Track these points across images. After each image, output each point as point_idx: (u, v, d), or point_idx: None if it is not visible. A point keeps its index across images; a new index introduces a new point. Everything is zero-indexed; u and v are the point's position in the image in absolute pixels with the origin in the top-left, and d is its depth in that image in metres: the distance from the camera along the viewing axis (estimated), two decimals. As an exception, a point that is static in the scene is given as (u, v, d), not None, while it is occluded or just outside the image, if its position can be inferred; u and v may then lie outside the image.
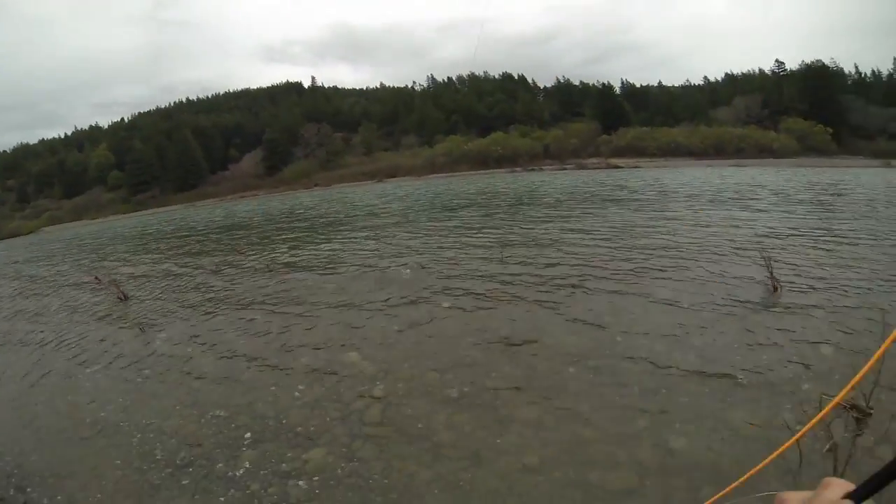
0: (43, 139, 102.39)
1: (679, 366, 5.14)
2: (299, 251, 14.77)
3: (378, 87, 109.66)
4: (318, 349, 6.62)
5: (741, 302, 6.87)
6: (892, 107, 63.73)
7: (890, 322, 5.23)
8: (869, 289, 7.11)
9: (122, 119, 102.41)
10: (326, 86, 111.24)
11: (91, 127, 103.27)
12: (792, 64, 77.67)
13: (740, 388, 4.59)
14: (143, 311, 9.96)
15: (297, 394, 5.44)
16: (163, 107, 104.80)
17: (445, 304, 7.84)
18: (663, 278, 8.23)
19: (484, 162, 68.69)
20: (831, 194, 20.66)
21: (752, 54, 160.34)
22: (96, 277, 12.89)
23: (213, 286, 11.22)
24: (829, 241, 10.42)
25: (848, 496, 0.59)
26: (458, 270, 9.84)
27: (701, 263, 8.99)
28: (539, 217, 17.20)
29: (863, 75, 75.98)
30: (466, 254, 11.41)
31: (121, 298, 11.05)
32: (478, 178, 52.10)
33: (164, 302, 10.48)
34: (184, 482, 4.10)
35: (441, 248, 12.51)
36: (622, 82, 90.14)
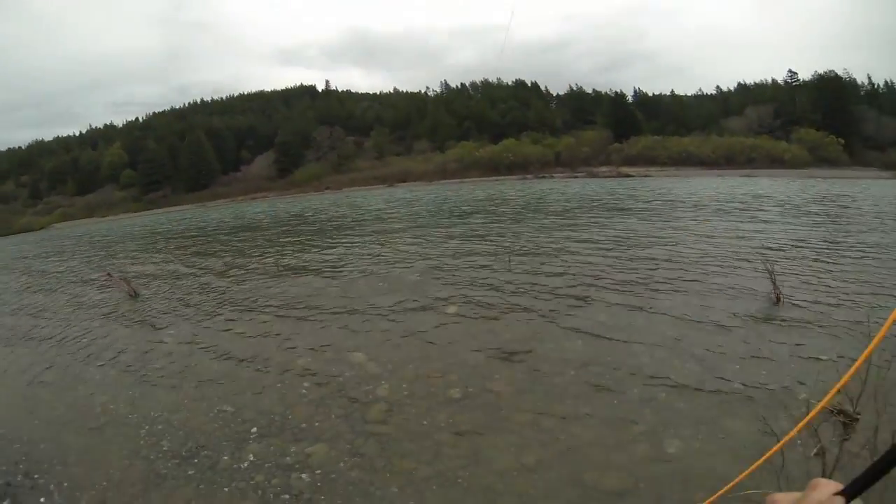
0: (58, 136, 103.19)
1: (678, 374, 5.20)
2: (306, 254, 14.94)
3: (391, 91, 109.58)
4: (325, 349, 6.75)
5: (742, 313, 6.90)
6: (905, 118, 63.34)
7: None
8: (872, 304, 7.08)
9: (137, 119, 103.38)
10: (340, 89, 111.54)
11: (106, 126, 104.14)
12: (805, 74, 77.08)
13: (737, 398, 4.65)
14: (153, 308, 10.16)
15: (303, 391, 5.57)
16: (177, 107, 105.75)
17: (450, 310, 7.94)
18: (665, 290, 8.25)
19: (495, 168, 68.67)
20: (839, 206, 20.58)
21: (765, 64, 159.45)
22: (108, 274, 13.10)
23: (220, 286, 11.39)
24: (834, 254, 10.40)
25: (837, 495, 0.63)
26: (463, 276, 9.94)
27: (704, 274, 9.03)
28: (545, 225, 17.24)
29: (876, 86, 75.38)
30: (472, 260, 11.50)
31: (131, 295, 11.24)
32: (488, 185, 52.14)
33: (173, 300, 10.66)
34: (189, 472, 4.23)
35: (447, 254, 12.60)
36: (634, 91, 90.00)
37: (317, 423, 4.81)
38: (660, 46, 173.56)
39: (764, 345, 5.81)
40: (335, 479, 3.94)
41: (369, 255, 13.50)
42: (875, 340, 0.91)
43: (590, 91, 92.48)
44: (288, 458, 4.28)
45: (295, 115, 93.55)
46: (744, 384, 4.87)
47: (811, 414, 1.35)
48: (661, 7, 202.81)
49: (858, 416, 3.21)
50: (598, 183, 45.89)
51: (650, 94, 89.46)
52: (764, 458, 1.37)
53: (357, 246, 15.44)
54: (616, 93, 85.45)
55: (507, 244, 13.17)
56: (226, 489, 3.96)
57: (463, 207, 27.08)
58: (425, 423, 4.65)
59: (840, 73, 72.48)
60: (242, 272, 12.84)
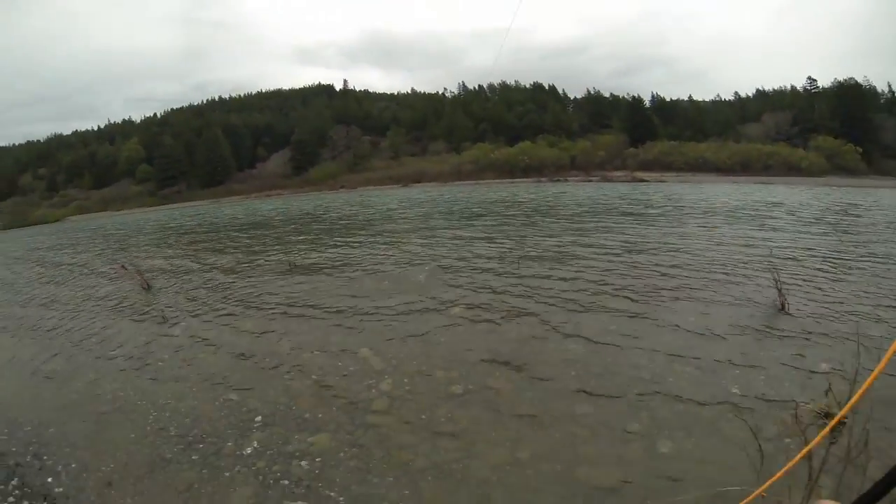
0: (76, 130, 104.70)
1: (676, 378, 5.26)
2: (316, 252, 15.13)
3: (409, 92, 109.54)
4: (331, 344, 6.87)
5: (746, 321, 6.90)
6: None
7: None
8: (878, 317, 7.02)
9: (155, 114, 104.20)
10: (358, 89, 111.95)
11: (124, 121, 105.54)
12: (824, 81, 76.17)
13: (733, 404, 4.67)
14: (165, 300, 10.38)
15: (308, 382, 5.71)
16: (195, 104, 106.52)
17: (455, 310, 8.03)
18: (670, 297, 8.25)
19: (510, 171, 68.66)
20: (852, 215, 20.40)
21: (784, 71, 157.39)
22: (122, 266, 13.36)
23: (230, 282, 11.58)
24: (843, 264, 10.33)
25: None
26: (470, 278, 10.02)
27: (710, 282, 9.02)
28: (555, 229, 17.24)
29: (896, 95, 74.35)
30: (480, 262, 11.58)
31: (144, 287, 11.46)
32: (502, 187, 52.18)
33: (184, 293, 10.88)
34: (194, 457, 4.38)
35: (455, 255, 12.69)
36: (652, 95, 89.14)
37: (320, 414, 4.94)
38: (679, 51, 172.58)
39: (764, 353, 5.82)
40: (334, 468, 4.06)
41: (378, 254, 13.64)
42: (886, 358, 0.95)
43: (607, 95, 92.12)
44: (290, 446, 4.41)
45: (312, 113, 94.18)
46: (740, 391, 4.90)
47: (831, 424, 1.44)
48: (681, 11, 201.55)
49: (846, 420, 3.27)
50: (611, 187, 45.76)
51: (668, 99, 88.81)
52: (784, 469, 1.48)
53: (366, 245, 15.60)
54: (633, 97, 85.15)
55: (516, 247, 13.24)
56: (227, 474, 4.10)
57: (474, 209, 27.16)
58: (424, 416, 4.76)
59: (860, 80, 71.67)
60: (251, 268, 13.04)
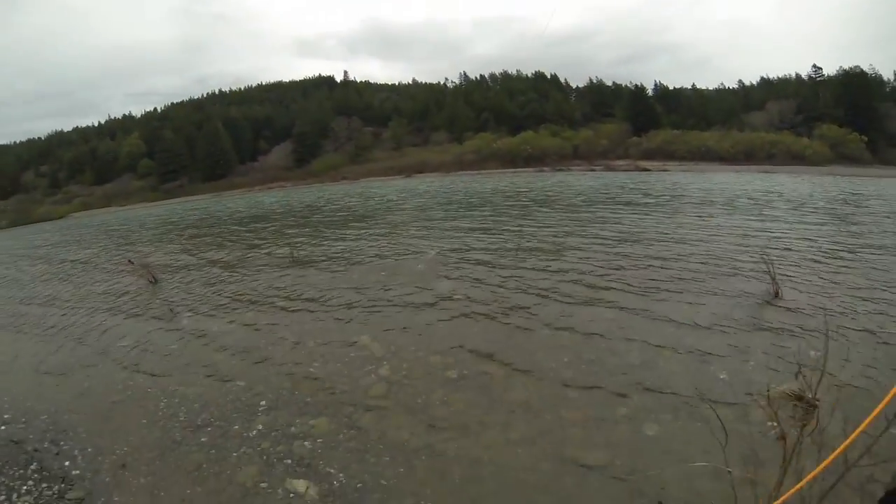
0: (77, 127, 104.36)
1: (666, 364, 5.46)
2: (316, 244, 15.36)
3: (410, 82, 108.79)
4: (332, 332, 7.12)
5: (738, 310, 7.05)
6: (933, 116, 61.91)
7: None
8: (875, 310, 7.03)
9: (155, 109, 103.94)
10: (359, 80, 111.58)
11: (124, 116, 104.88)
12: (829, 69, 75.42)
13: (719, 389, 4.84)
14: (172, 293, 10.64)
15: (311, 369, 5.96)
16: (195, 98, 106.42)
17: (453, 299, 8.23)
18: (665, 286, 8.37)
19: (512, 161, 68.09)
20: (853, 205, 20.43)
21: (789, 59, 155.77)
22: (129, 261, 13.58)
23: (233, 275, 11.82)
24: (840, 255, 10.36)
25: None
26: (468, 269, 10.18)
27: (705, 271, 9.16)
28: (554, 219, 17.35)
29: (902, 83, 73.61)
30: (478, 253, 11.74)
31: (151, 281, 11.69)
32: (504, 177, 52.12)
33: (190, 286, 11.14)
34: (202, 439, 4.63)
35: (454, 246, 12.83)
36: (655, 84, 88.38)
37: (321, 398, 5.18)
38: (683, 39, 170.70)
39: (754, 341, 5.96)
40: (334, 448, 4.30)
41: (377, 245, 13.85)
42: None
43: (609, 84, 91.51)
44: (293, 428, 4.65)
45: (313, 105, 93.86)
46: (727, 377, 5.08)
47: (863, 425, 1.60)
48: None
49: (817, 402, 3.44)
50: (614, 176, 45.68)
51: (671, 88, 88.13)
52: (818, 469, 1.70)
53: (365, 237, 15.79)
54: (636, 86, 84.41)
55: (513, 238, 13.40)
56: (234, 454, 4.34)
57: (472, 200, 27.26)
58: (420, 400, 4.98)
59: (866, 68, 71.02)
60: (253, 261, 13.28)
